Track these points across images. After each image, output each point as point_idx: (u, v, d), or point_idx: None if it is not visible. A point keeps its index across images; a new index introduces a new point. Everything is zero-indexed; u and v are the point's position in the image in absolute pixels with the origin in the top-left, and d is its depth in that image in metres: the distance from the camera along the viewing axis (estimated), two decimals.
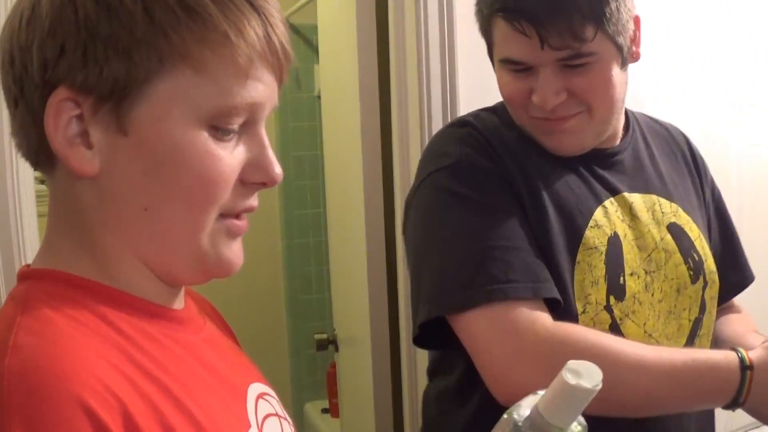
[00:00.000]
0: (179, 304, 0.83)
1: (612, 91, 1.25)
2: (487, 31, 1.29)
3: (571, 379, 0.69)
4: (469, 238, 1.23)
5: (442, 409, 1.44)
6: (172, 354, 0.74)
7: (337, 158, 2.57)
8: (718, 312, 1.44)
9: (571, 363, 0.70)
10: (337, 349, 2.70)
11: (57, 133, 0.70)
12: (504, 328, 1.16)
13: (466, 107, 1.78)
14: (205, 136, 0.73)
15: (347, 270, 2.43)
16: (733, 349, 1.17)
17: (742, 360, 1.14)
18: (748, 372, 1.13)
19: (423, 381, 1.91)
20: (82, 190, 0.73)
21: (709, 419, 1.45)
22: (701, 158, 1.50)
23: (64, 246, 0.75)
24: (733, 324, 1.47)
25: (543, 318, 1.17)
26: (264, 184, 0.79)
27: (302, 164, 3.91)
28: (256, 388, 0.88)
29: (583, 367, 0.70)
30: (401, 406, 2.08)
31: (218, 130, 0.74)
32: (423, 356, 1.90)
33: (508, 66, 1.26)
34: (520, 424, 0.71)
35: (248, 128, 0.77)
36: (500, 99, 1.34)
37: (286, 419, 0.91)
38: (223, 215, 0.77)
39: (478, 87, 1.79)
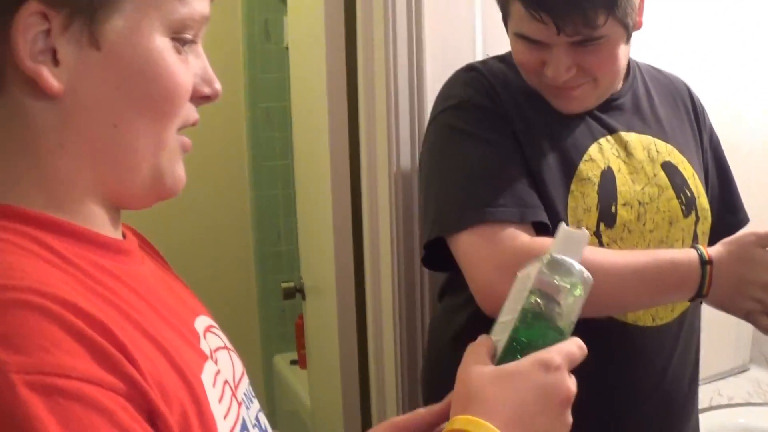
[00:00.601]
0: (120, 235, 0.82)
1: (617, 65, 1.38)
2: (503, 5, 1.39)
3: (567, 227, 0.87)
4: (467, 168, 1.37)
5: (446, 323, 1.58)
6: (125, 285, 0.73)
7: (303, 110, 2.56)
8: None
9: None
10: (304, 298, 2.72)
11: (25, 48, 0.68)
12: (489, 246, 1.29)
13: (431, 49, 1.82)
14: (170, 47, 0.74)
15: (313, 220, 2.44)
16: (693, 246, 1.30)
17: (701, 256, 1.27)
18: (708, 266, 1.25)
19: (389, 330, 1.94)
20: (39, 112, 0.71)
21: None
22: (701, 107, 1.60)
23: (8, 176, 0.72)
24: None
25: (525, 236, 1.29)
26: (209, 98, 0.81)
27: (271, 116, 3.90)
28: (203, 320, 0.89)
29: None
30: (366, 355, 2.10)
31: (178, 42, 0.75)
32: (388, 304, 1.92)
33: (522, 39, 1.36)
34: (544, 270, 0.84)
35: (193, 43, 0.78)
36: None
37: (235, 352, 0.93)
38: (179, 130, 0.79)
39: (445, 28, 1.82)
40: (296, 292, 2.71)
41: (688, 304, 1.45)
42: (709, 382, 2.39)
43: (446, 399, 0.93)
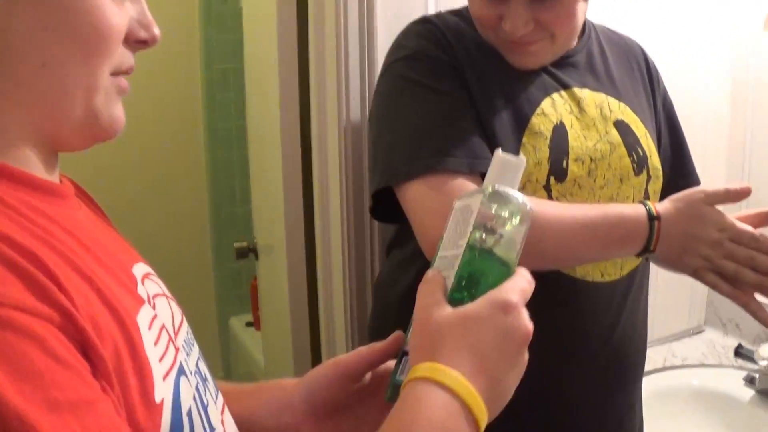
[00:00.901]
0: (56, 178, 0.81)
1: (575, 22, 1.38)
2: None
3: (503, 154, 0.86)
4: (417, 118, 1.35)
5: (393, 278, 1.57)
6: (60, 227, 0.72)
7: (256, 69, 2.55)
8: None
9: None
10: (257, 257, 2.72)
11: None
12: (437, 195, 1.28)
13: (383, 3, 1.81)
14: None
15: (265, 179, 2.44)
16: (642, 202, 1.31)
17: (649, 212, 1.28)
18: (656, 222, 1.27)
19: (338, 287, 1.95)
20: None
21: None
22: (655, 69, 1.60)
23: None
24: None
25: (471, 186, 1.28)
26: (146, 43, 0.80)
27: (227, 76, 3.88)
28: (141, 267, 0.87)
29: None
30: (317, 314, 2.11)
31: None
32: (338, 260, 1.93)
33: None
34: (485, 202, 0.83)
35: None
36: None
37: (174, 300, 0.91)
38: (113, 74, 0.77)
39: None
40: (249, 252, 2.71)
41: (638, 262, 1.46)
42: (664, 343, 2.43)
43: (390, 338, 0.93)
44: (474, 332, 0.78)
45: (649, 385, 2.11)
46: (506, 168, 0.86)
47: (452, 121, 1.33)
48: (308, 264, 2.12)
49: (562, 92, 1.42)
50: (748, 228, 1.28)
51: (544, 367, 1.42)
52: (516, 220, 0.83)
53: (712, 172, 2.37)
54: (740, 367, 2.19)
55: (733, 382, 2.10)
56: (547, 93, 1.41)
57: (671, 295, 2.39)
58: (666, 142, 1.58)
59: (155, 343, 0.77)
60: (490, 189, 0.84)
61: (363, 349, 0.97)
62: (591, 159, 1.39)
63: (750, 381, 2.06)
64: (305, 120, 2.00)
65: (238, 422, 0.93)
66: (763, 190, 2.29)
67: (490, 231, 0.82)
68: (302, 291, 2.15)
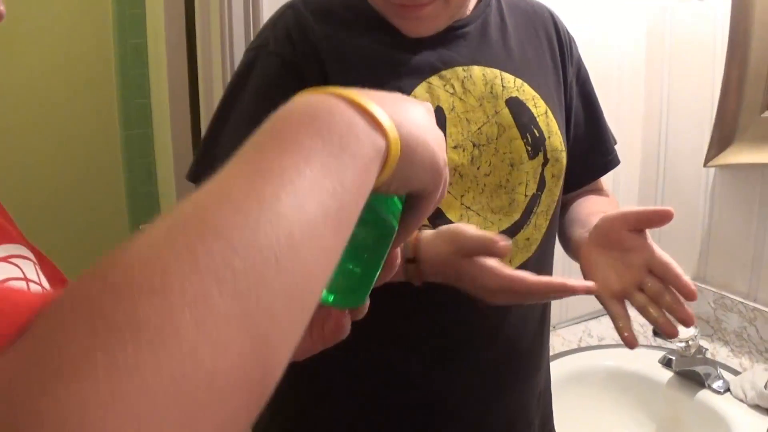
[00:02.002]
0: None
1: None
2: None
3: None
4: (232, 121, 1.25)
5: None
6: None
7: (158, 45, 2.44)
8: (581, 193, 1.49)
9: None
10: None
11: None
12: None
13: None
14: None
15: (165, 159, 2.35)
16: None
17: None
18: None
19: None
20: None
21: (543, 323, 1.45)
22: (568, 36, 1.46)
23: None
24: (587, 204, 1.45)
25: None
26: None
27: (140, 52, 3.73)
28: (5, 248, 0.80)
29: None
30: None
31: None
32: None
33: None
34: None
35: None
36: None
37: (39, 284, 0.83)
38: None
39: None
40: None
41: (530, 252, 1.35)
42: (580, 322, 2.37)
43: None
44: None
45: (562, 367, 2.08)
46: None
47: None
48: None
49: (444, 72, 1.29)
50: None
51: (421, 372, 1.32)
52: None
53: (629, 127, 2.30)
54: (659, 347, 2.13)
55: (650, 362, 2.04)
56: (423, 77, 1.27)
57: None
58: (579, 118, 1.46)
59: None
60: None
61: None
62: (474, 145, 1.27)
63: (666, 363, 1.99)
64: (194, 92, 1.91)
65: None
66: (680, 146, 2.24)
67: None
68: None
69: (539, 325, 1.43)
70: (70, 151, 3.74)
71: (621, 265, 1.18)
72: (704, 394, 1.88)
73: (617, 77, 2.25)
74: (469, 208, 1.27)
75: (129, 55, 3.75)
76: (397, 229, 0.69)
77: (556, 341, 2.22)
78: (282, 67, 1.24)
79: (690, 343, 1.89)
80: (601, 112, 1.51)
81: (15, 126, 3.60)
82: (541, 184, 1.34)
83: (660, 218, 1.15)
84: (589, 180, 1.51)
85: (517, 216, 1.32)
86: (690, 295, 1.11)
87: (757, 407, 1.79)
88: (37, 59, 3.62)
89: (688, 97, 2.19)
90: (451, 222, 1.26)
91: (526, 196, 1.32)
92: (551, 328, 2.27)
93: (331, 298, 0.67)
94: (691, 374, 1.92)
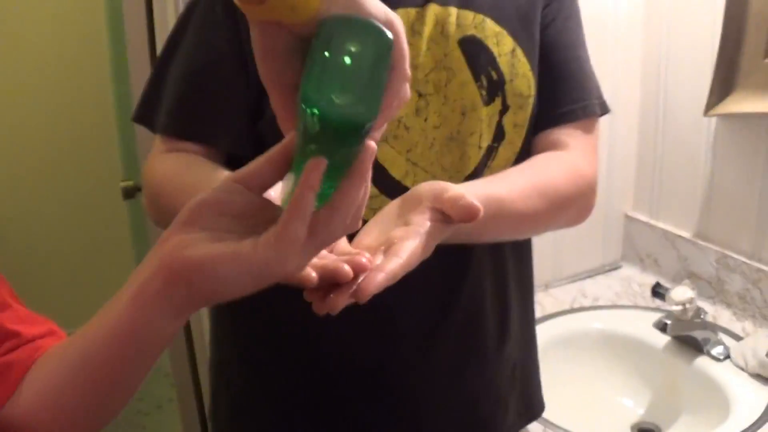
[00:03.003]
0: None
1: None
2: None
3: None
4: (179, 59, 1.19)
5: None
6: None
7: None
8: (538, 145, 1.24)
9: None
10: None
11: None
12: (156, 156, 1.19)
13: None
14: None
15: None
16: None
17: None
18: None
19: None
20: None
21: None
22: None
23: None
24: (531, 165, 1.20)
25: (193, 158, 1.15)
26: None
27: None
28: None
29: None
30: None
31: None
32: None
33: None
34: None
35: None
36: None
37: None
38: None
39: None
40: (136, 192, 2.49)
41: None
42: (574, 281, 2.25)
43: None
44: None
45: (554, 330, 1.97)
46: None
47: (203, 81, 1.16)
48: None
49: None
50: None
51: (365, 354, 1.22)
52: None
53: (626, 77, 2.17)
54: (657, 309, 2.01)
55: (646, 325, 1.93)
56: None
57: (580, 228, 2.18)
58: (556, 56, 1.25)
59: None
60: None
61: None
62: (420, 94, 1.14)
63: (662, 328, 1.87)
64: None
65: None
66: (680, 95, 2.10)
67: None
68: None
69: (504, 295, 1.30)
70: (65, 113, 3.74)
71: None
72: (702, 361, 1.77)
73: (613, 22, 2.10)
74: (416, 164, 1.14)
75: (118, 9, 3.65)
76: (391, 38, 0.65)
77: (547, 302, 2.10)
78: (220, 5, 1.15)
79: (687, 306, 1.77)
80: (583, 53, 1.29)
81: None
82: (499, 135, 1.19)
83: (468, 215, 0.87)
84: (544, 127, 1.25)
85: (468, 171, 1.17)
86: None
87: (758, 377, 1.68)
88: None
89: (687, 43, 2.04)
90: (396, 181, 1.14)
91: (480, 147, 1.17)
92: (543, 287, 2.17)
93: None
94: (689, 339, 1.81)
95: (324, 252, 0.78)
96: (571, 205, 1.20)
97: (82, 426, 0.82)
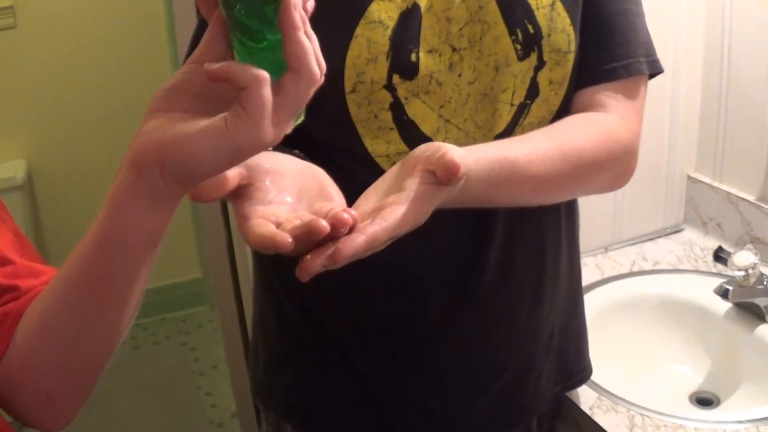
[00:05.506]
0: None
1: None
2: None
3: None
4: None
5: None
6: None
7: None
8: (584, 105, 1.19)
9: None
10: None
11: None
12: None
13: None
14: None
15: None
16: None
17: None
18: None
19: None
20: None
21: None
22: None
23: None
24: (558, 127, 1.15)
25: None
26: None
27: None
28: None
29: None
30: None
31: None
32: None
33: None
34: None
35: None
36: None
37: None
38: None
39: None
40: None
41: None
42: (635, 244, 2.19)
43: None
44: None
45: (613, 293, 1.93)
46: None
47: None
48: None
49: None
50: None
51: (390, 314, 1.22)
52: None
53: (688, 34, 2.08)
54: (718, 274, 1.95)
55: (707, 291, 1.86)
56: None
57: (641, 190, 2.13)
58: (605, 10, 1.18)
59: None
60: None
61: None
62: (453, 49, 1.10)
63: (723, 294, 1.81)
64: None
65: None
66: (745, 51, 2.02)
67: None
68: None
69: (537, 256, 1.27)
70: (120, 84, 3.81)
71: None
72: (764, 329, 1.71)
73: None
74: (448, 120, 1.11)
75: None
76: None
77: (607, 264, 2.05)
78: None
79: (750, 271, 1.71)
80: (633, 6, 1.21)
81: None
82: (533, 91, 1.14)
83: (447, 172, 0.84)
84: (584, 86, 1.20)
85: (499, 129, 1.14)
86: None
87: None
88: None
89: None
90: (426, 137, 1.11)
91: (512, 105, 1.13)
92: (603, 250, 2.12)
93: None
94: (751, 306, 1.75)
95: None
96: (601, 170, 1.14)
97: (73, 353, 0.81)
